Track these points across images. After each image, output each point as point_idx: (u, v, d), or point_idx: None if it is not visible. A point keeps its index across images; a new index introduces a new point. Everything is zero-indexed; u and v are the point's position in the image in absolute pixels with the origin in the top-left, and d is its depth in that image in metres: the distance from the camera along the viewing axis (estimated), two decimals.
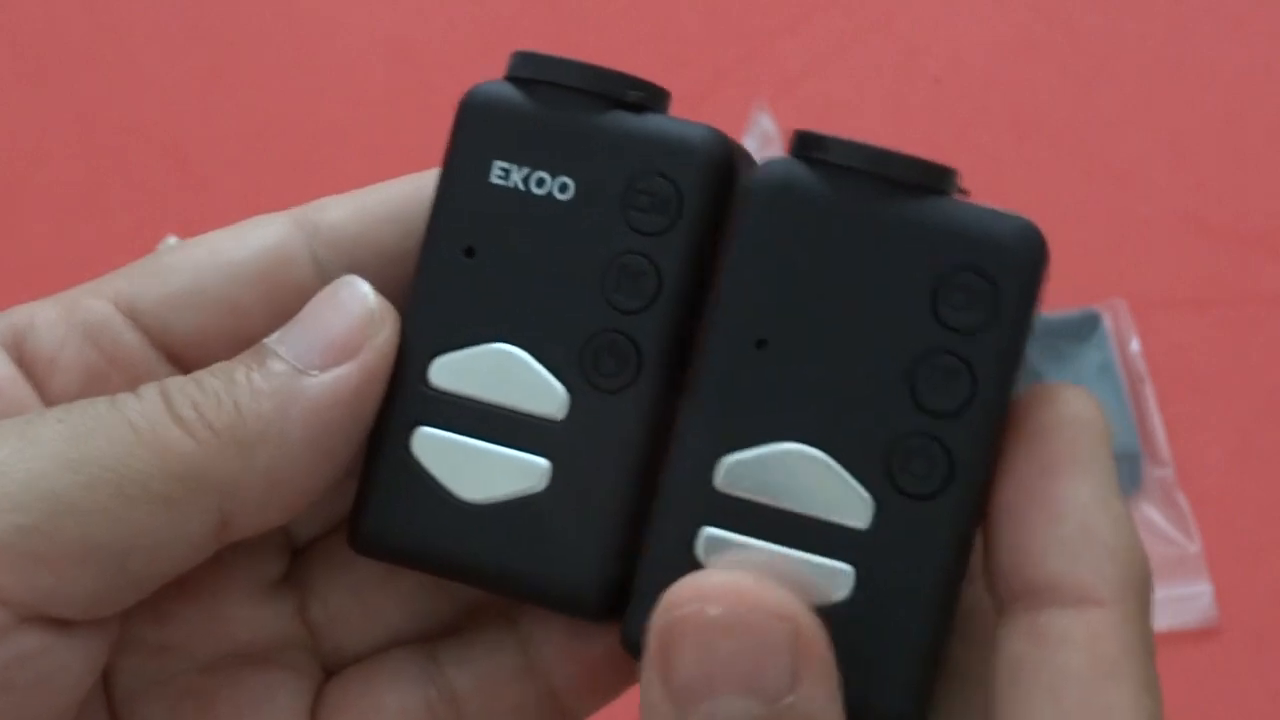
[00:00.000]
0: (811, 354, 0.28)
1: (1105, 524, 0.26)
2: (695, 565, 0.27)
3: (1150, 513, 0.68)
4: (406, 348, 0.29)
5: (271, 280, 0.30)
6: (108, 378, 0.29)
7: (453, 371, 0.29)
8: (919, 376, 0.27)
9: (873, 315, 0.28)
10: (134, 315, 0.30)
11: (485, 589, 0.30)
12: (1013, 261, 0.27)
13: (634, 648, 0.27)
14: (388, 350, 0.29)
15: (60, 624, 0.27)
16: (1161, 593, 0.60)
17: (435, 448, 0.29)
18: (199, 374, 0.28)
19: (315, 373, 0.28)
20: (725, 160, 0.29)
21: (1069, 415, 0.27)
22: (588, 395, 0.29)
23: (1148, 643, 0.27)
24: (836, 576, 0.27)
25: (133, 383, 0.29)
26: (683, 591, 0.25)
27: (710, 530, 0.27)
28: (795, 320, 0.28)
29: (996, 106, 0.77)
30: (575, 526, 0.28)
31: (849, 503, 0.27)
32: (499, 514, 0.29)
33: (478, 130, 0.30)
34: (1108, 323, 0.70)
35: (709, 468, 0.28)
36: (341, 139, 0.75)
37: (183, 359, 0.30)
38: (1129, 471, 0.68)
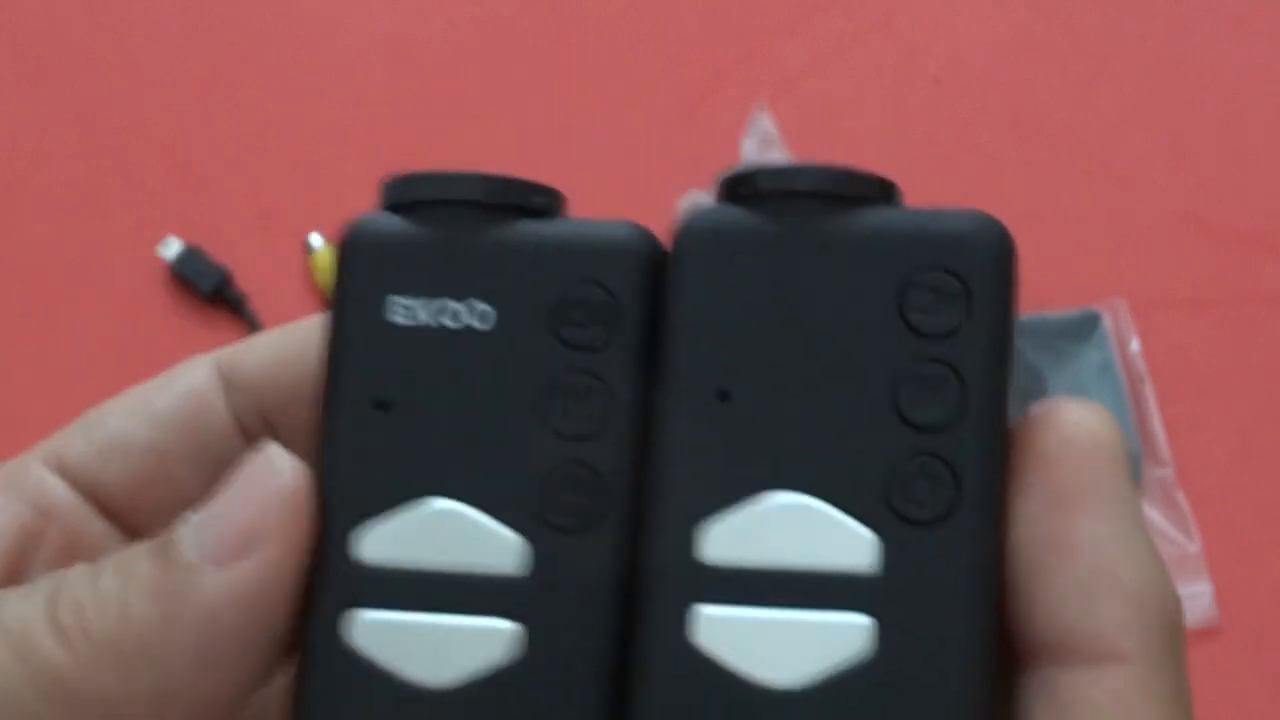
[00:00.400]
0: (778, 396, 0.25)
1: (1125, 565, 0.24)
2: (699, 657, 0.24)
3: (1150, 513, 0.68)
4: (324, 522, 0.25)
5: (192, 426, 0.28)
6: (43, 533, 0.28)
7: (382, 541, 0.25)
8: (902, 393, 0.25)
9: (837, 341, 0.25)
10: (64, 471, 0.28)
11: None
12: (978, 253, 0.25)
13: None
14: (299, 538, 0.25)
15: None
16: None
17: (378, 633, 0.25)
18: (100, 570, 0.25)
19: (211, 569, 0.25)
20: (658, 254, 0.26)
21: (1080, 439, 0.24)
22: (549, 540, 0.25)
23: (1181, 693, 0.24)
24: (854, 632, 0.24)
25: (66, 536, 0.27)
26: None
27: (704, 610, 0.24)
28: (755, 364, 0.25)
29: (996, 106, 0.77)
30: (560, 695, 0.25)
31: (851, 545, 0.24)
32: (468, 697, 0.25)
33: (366, 267, 0.26)
34: (1108, 323, 0.70)
35: (688, 539, 0.25)
36: (341, 139, 0.75)
37: (115, 510, 0.28)
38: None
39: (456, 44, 0.79)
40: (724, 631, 0.24)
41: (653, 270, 0.26)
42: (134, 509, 0.28)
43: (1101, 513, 0.24)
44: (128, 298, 0.71)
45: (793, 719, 0.24)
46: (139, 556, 0.25)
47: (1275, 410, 0.70)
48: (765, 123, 0.73)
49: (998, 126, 0.76)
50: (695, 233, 0.26)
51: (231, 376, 0.29)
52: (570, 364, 0.26)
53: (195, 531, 0.25)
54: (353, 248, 0.26)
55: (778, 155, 0.72)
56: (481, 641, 0.25)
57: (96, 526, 0.28)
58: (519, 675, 0.25)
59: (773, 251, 0.25)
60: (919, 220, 0.25)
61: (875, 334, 0.25)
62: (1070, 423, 0.25)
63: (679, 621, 0.24)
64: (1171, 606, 0.24)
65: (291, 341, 0.29)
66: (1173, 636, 0.24)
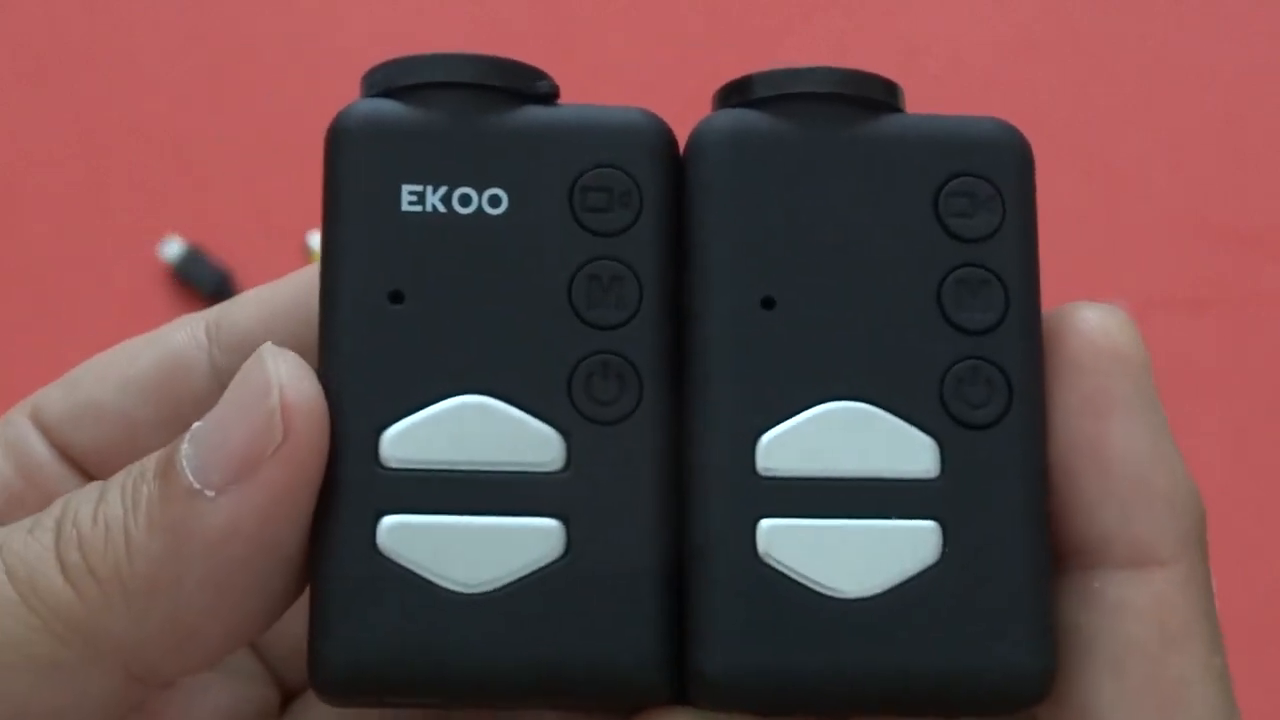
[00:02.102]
0: (823, 302, 0.24)
1: (1161, 472, 0.24)
2: (765, 568, 0.24)
3: None
4: (342, 427, 0.24)
5: (166, 392, 0.27)
6: (23, 496, 0.27)
7: (412, 441, 0.24)
8: (947, 298, 0.25)
9: (876, 247, 0.25)
10: (44, 428, 0.27)
11: (511, 703, 0.24)
12: (1006, 157, 0.25)
13: (712, 686, 0.23)
14: (303, 454, 0.23)
15: None
16: None
17: (411, 537, 0.23)
18: (106, 493, 0.24)
19: (211, 494, 0.23)
20: (671, 139, 0.25)
21: (1109, 347, 0.24)
22: (585, 433, 0.24)
23: (1211, 596, 0.24)
24: (920, 537, 0.24)
25: (44, 498, 0.26)
26: None
27: (768, 523, 0.24)
28: (798, 269, 0.24)
29: (996, 106, 0.77)
30: (612, 593, 0.23)
31: (911, 452, 0.24)
32: (511, 600, 0.23)
33: (364, 154, 0.25)
34: None
35: (747, 453, 0.24)
36: None
37: (89, 472, 0.27)
38: None
39: (456, 44, 0.79)
40: (791, 544, 0.24)
41: (671, 155, 0.25)
42: (105, 473, 0.26)
43: (1135, 420, 0.24)
44: (128, 298, 0.71)
45: (866, 626, 0.24)
46: (143, 480, 0.24)
47: (1275, 410, 0.70)
48: None
49: None
50: (714, 132, 0.25)
51: (220, 335, 0.27)
52: (593, 250, 0.24)
53: (195, 451, 0.23)
54: (348, 134, 0.25)
55: None
56: (520, 541, 0.23)
57: (71, 486, 0.27)
58: (563, 575, 0.23)
59: (798, 155, 0.25)
60: (942, 126, 0.26)
61: (914, 240, 0.25)
62: (1098, 329, 0.25)
63: (744, 537, 0.24)
64: (1200, 512, 0.24)
65: (281, 295, 0.27)
66: (1202, 541, 0.24)
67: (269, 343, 0.24)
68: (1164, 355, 0.77)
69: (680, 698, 0.24)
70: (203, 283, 0.70)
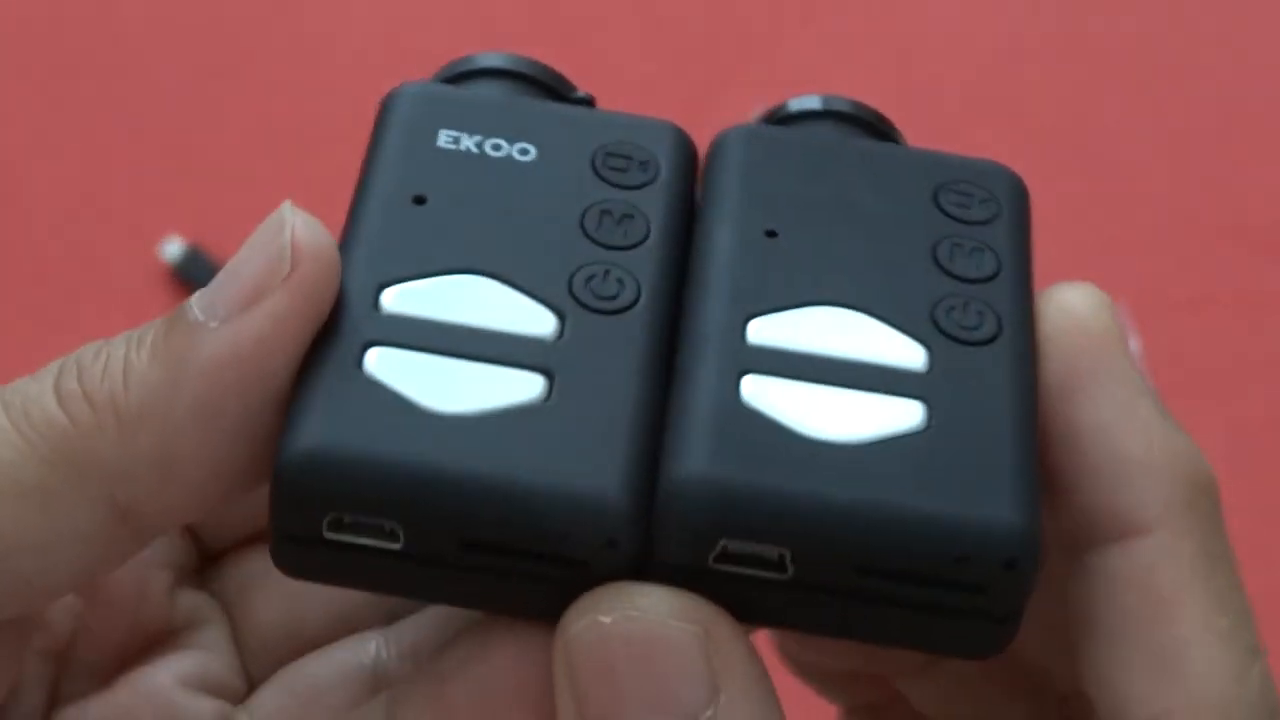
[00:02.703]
0: (825, 241, 0.25)
1: (1135, 442, 0.24)
2: (747, 409, 0.23)
3: None
4: (347, 283, 0.24)
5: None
6: None
7: (411, 297, 0.24)
8: (942, 255, 0.25)
9: (877, 214, 0.26)
10: None
11: (463, 533, 0.23)
12: (1004, 180, 0.27)
13: (679, 491, 0.23)
14: (307, 287, 0.24)
15: None
16: None
17: (395, 364, 0.24)
18: (112, 339, 0.25)
19: (215, 325, 0.24)
20: (693, 143, 0.27)
21: (1074, 325, 0.25)
22: (582, 318, 0.24)
23: (1214, 552, 0.24)
24: (906, 408, 0.24)
25: None
26: (573, 609, 0.23)
27: (754, 377, 0.24)
28: (802, 215, 0.26)
29: (997, 107, 0.77)
30: (588, 432, 0.23)
31: (901, 348, 0.24)
32: (485, 423, 0.23)
33: (413, 111, 0.27)
34: None
35: (738, 328, 0.24)
36: (342, 139, 0.75)
37: None
38: None
39: (456, 44, 0.79)
40: (774, 394, 0.24)
41: (690, 152, 0.27)
42: None
43: (1101, 393, 0.24)
44: (128, 298, 0.71)
45: (844, 463, 0.23)
46: (150, 326, 0.24)
47: (1275, 410, 0.70)
48: None
49: (998, 126, 0.76)
50: (734, 132, 0.27)
51: None
52: (609, 195, 0.26)
53: (205, 294, 0.24)
54: (397, 94, 0.27)
55: None
56: (503, 382, 0.24)
57: None
58: (541, 413, 0.23)
59: (808, 146, 0.27)
60: (940, 154, 0.27)
61: (913, 214, 0.26)
62: (1063, 309, 0.25)
63: (729, 387, 0.24)
64: (1191, 474, 0.24)
65: None
66: (1198, 500, 0.24)
67: (288, 201, 0.25)
68: (1164, 355, 0.77)
69: (642, 573, 0.23)
70: (203, 283, 0.70)
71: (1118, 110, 0.78)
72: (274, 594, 0.28)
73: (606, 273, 0.25)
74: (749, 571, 0.23)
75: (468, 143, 0.26)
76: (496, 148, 0.26)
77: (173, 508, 0.24)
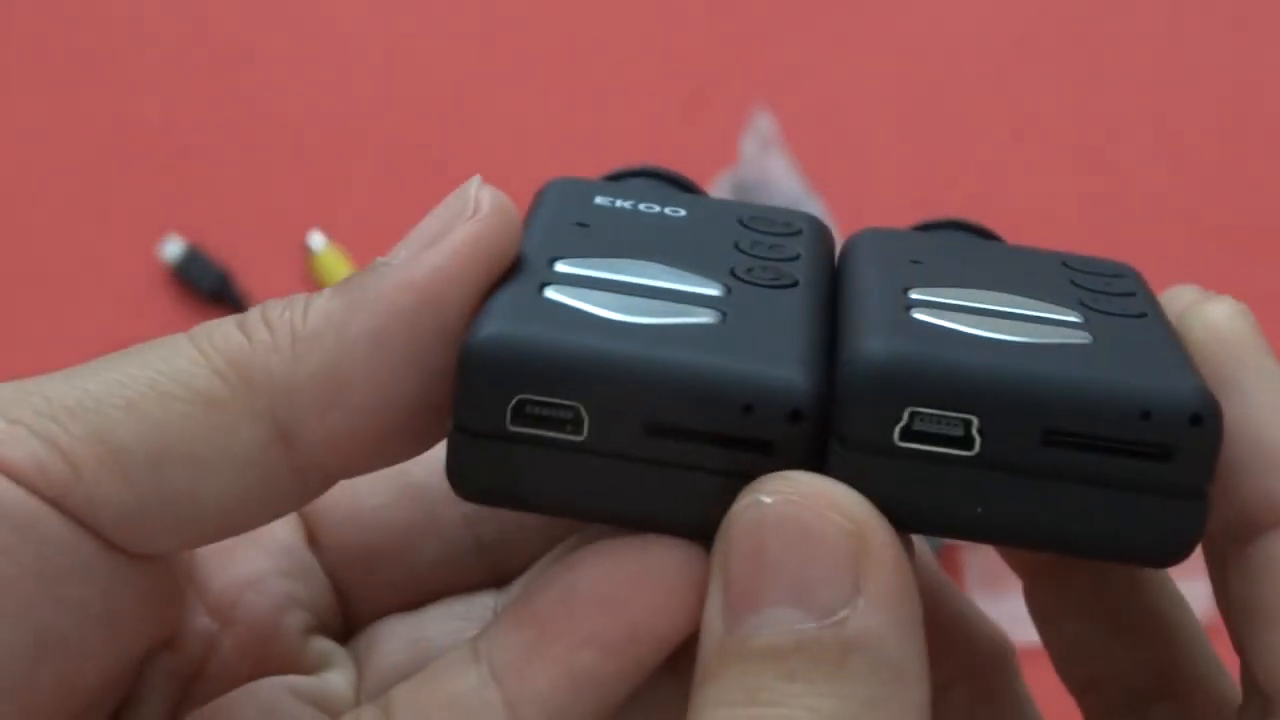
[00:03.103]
0: (969, 264, 0.28)
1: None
2: (915, 320, 0.25)
3: None
4: (524, 252, 0.26)
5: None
6: None
7: (585, 265, 0.26)
8: (1079, 280, 0.28)
9: (1018, 268, 0.28)
10: None
11: (647, 416, 0.23)
12: (1132, 273, 0.29)
13: (865, 365, 0.24)
14: (479, 231, 0.25)
15: (108, 546, 0.24)
16: None
17: (577, 294, 0.25)
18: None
19: (396, 263, 0.25)
20: (826, 225, 0.29)
21: (1213, 334, 0.26)
22: (746, 290, 0.26)
23: None
24: (1070, 331, 0.25)
25: None
26: (742, 493, 0.23)
27: (919, 311, 0.25)
28: (942, 255, 0.28)
29: (996, 106, 0.77)
30: (765, 340, 0.24)
31: (1057, 308, 0.26)
32: (665, 329, 0.24)
33: (567, 186, 0.29)
34: None
35: (899, 290, 0.26)
36: (342, 139, 0.75)
37: None
38: None
39: (456, 44, 0.79)
40: (939, 315, 0.25)
41: (827, 230, 0.29)
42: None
43: (1248, 393, 0.25)
44: (128, 298, 0.71)
45: (1018, 351, 0.24)
46: (348, 277, 0.25)
47: None
48: (765, 122, 0.73)
49: (998, 126, 0.77)
50: (866, 230, 0.29)
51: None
52: (757, 237, 0.27)
53: (395, 250, 0.25)
54: (548, 184, 0.29)
55: (777, 155, 0.72)
56: (680, 312, 0.25)
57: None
58: (716, 329, 0.25)
59: (940, 238, 0.29)
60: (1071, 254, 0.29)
61: (1049, 268, 0.28)
62: (1212, 322, 0.26)
63: (898, 307, 0.25)
64: None
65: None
66: None
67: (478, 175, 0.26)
68: None
69: (819, 461, 0.24)
70: (203, 282, 0.70)
71: (1118, 110, 0.78)
72: (400, 642, 0.29)
73: (765, 266, 0.26)
74: (936, 449, 0.24)
75: (622, 203, 0.28)
76: (649, 208, 0.28)
77: (335, 436, 0.24)
